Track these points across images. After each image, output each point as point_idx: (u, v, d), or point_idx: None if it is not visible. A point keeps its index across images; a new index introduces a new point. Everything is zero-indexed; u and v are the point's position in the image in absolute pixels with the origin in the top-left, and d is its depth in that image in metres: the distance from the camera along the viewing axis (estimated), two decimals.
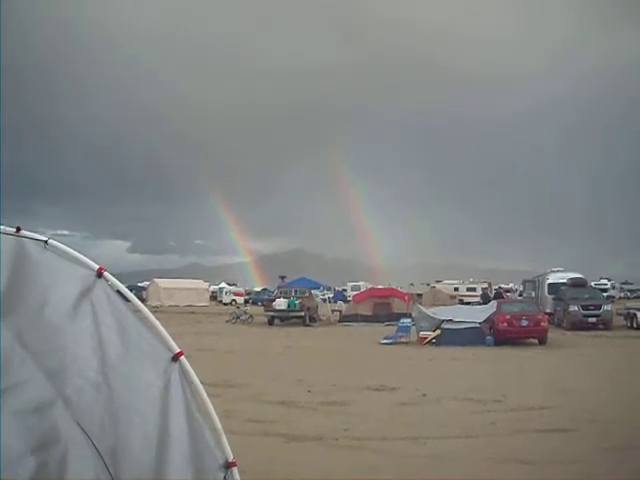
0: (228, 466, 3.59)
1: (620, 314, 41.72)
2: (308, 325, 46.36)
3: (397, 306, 46.27)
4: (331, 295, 70.98)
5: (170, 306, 73.30)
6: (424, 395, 16.03)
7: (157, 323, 3.71)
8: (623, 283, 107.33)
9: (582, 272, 47.72)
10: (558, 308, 42.16)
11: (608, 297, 59.48)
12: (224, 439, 3.70)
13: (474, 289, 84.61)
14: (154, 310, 8.86)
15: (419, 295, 76.44)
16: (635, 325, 39.06)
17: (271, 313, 47.56)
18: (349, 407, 14.73)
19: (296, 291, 50.25)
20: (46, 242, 3.50)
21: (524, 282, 58.08)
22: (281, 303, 47.02)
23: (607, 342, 31.70)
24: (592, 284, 54.92)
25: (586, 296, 40.83)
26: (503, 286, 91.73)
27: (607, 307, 40.18)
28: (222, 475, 3.54)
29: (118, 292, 3.65)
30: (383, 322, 42.64)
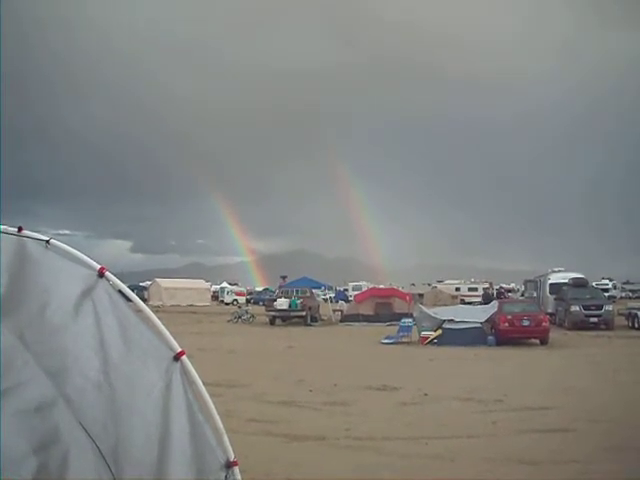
0: (229, 465, 3.60)
1: (621, 314, 41.72)
2: (309, 325, 46.38)
3: (398, 306, 46.24)
4: (332, 295, 71.01)
5: (172, 306, 73.41)
6: (425, 395, 16.03)
7: (159, 323, 3.72)
8: (624, 283, 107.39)
9: (583, 272, 47.73)
10: (560, 308, 42.16)
11: (609, 297, 59.55)
12: (225, 439, 3.71)
13: (475, 289, 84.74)
14: (156, 310, 8.88)
15: (420, 295, 76.62)
16: (636, 325, 39.06)
17: (272, 313, 47.56)
18: (350, 407, 14.73)
19: (297, 291, 50.27)
20: (48, 242, 3.50)
21: (525, 282, 58.03)
22: (283, 303, 47.04)
23: (609, 342, 31.69)
24: (594, 284, 54.90)
25: (587, 296, 40.83)
26: (504, 286, 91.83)
27: (608, 307, 40.23)
28: (223, 474, 3.55)
29: (120, 292, 3.66)
30: (384, 322, 42.64)
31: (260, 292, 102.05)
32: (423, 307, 34.63)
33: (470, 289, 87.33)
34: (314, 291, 54.79)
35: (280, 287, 56.98)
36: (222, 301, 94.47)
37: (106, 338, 3.30)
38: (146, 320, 3.69)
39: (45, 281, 3.30)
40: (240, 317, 50.42)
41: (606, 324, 39.06)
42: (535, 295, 49.15)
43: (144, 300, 4.40)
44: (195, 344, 24.56)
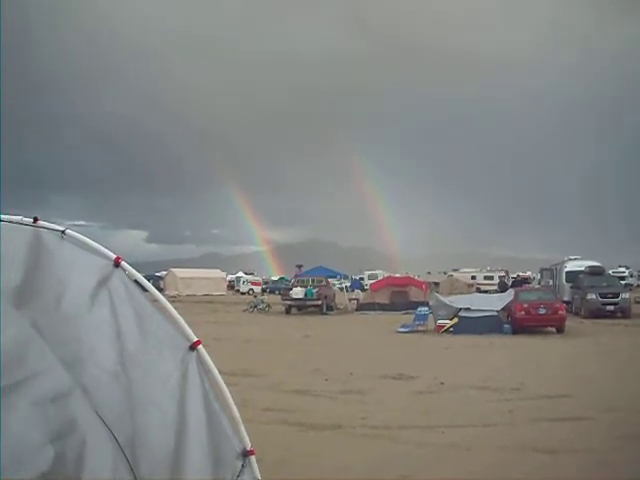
0: (246, 454, 3.59)
1: (638, 302, 41.60)
2: (325, 314, 46.44)
3: (414, 295, 46.20)
4: (348, 284, 71.16)
5: (187, 295, 73.59)
6: (442, 383, 16.02)
7: (175, 312, 3.71)
8: None
9: (600, 260, 47.57)
10: (576, 296, 41.97)
11: (626, 285, 59.33)
12: (242, 428, 3.70)
13: (491, 277, 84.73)
14: (171, 300, 8.94)
15: (436, 284, 76.63)
16: None
17: (288, 302, 47.66)
18: (366, 396, 14.73)
19: (313, 280, 50.30)
20: (63, 232, 3.50)
21: (541, 270, 57.79)
22: (298, 292, 47.08)
23: (625, 330, 31.58)
24: (610, 272, 54.75)
25: (604, 284, 40.64)
26: (521, 274, 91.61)
27: (625, 295, 40.04)
28: (240, 463, 3.55)
29: (136, 282, 3.66)
30: (400, 311, 42.57)
31: (276, 281, 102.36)
32: (439, 296, 34.67)
33: (486, 277, 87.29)
34: (330, 280, 54.77)
35: (296, 276, 57.01)
36: (238, 290, 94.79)
37: (122, 328, 3.30)
38: (162, 310, 3.69)
39: (61, 271, 3.30)
40: (256, 306, 50.52)
41: (623, 312, 38.89)
42: (551, 283, 48.96)
43: (160, 290, 4.41)
44: (211, 334, 24.59)
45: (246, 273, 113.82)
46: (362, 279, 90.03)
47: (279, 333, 31.43)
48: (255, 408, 12.50)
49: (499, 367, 19.10)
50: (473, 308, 30.49)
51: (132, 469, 2.99)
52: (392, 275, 69.72)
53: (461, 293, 52.36)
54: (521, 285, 50.55)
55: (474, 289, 74.13)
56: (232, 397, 3.79)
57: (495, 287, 66.50)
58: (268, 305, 51.07)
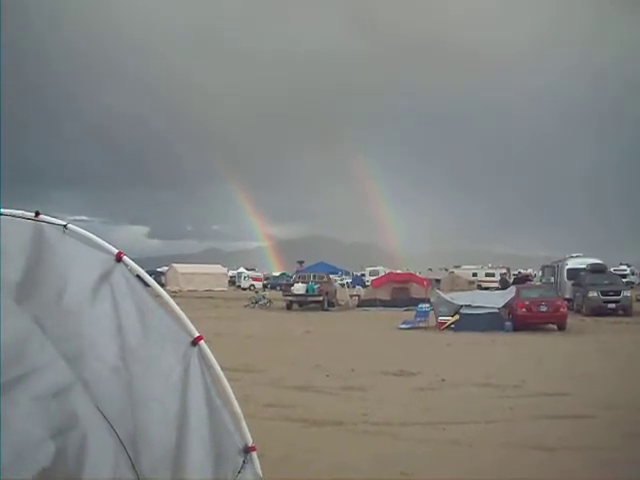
0: (247, 450, 3.60)
1: (639, 300, 41.54)
2: (326, 310, 46.44)
3: (415, 291, 46.25)
4: (349, 280, 71.03)
5: (189, 291, 73.60)
6: (443, 380, 16.02)
7: (176, 307, 3.71)
8: None
9: (601, 258, 47.50)
10: (577, 294, 42.00)
11: (627, 283, 59.19)
12: (243, 424, 3.71)
13: (493, 274, 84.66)
14: (173, 295, 8.98)
15: (437, 280, 76.48)
16: None
17: (290, 298, 47.68)
18: (368, 392, 14.73)
19: (314, 276, 50.27)
20: (65, 227, 3.50)
21: (543, 268, 57.71)
22: (300, 288, 47.09)
23: (626, 328, 31.59)
24: (611, 270, 54.65)
25: (605, 282, 40.65)
26: (522, 271, 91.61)
27: (627, 293, 40.08)
28: (241, 459, 3.55)
29: (138, 277, 3.65)
30: (402, 307, 42.62)
31: (277, 277, 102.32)
32: (440, 292, 34.61)
33: (487, 274, 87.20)
34: (331, 276, 54.80)
35: (297, 272, 56.93)
36: (239, 286, 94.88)
37: (124, 323, 3.30)
38: (164, 305, 3.68)
39: (62, 266, 3.30)
40: (257, 302, 50.53)
41: (624, 310, 38.94)
42: (552, 281, 48.93)
43: (161, 285, 4.40)
44: (212, 329, 24.57)
45: (247, 269, 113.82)
46: (363, 275, 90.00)
47: (280, 329, 31.44)
48: (256, 404, 12.49)
49: (500, 364, 19.10)
50: (474, 305, 30.49)
51: (133, 464, 2.98)
52: (393, 271, 69.74)
53: (462, 290, 52.24)
54: (523, 282, 50.50)
55: (475, 286, 74.16)
56: (234, 393, 3.78)
57: (496, 284, 66.47)
58: (269, 301, 51.08)
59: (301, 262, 64.78)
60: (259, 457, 3.66)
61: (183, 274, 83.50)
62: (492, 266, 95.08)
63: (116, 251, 3.55)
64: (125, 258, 3.55)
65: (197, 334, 3.62)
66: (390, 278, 51.86)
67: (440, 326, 30.30)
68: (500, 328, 29.09)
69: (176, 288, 74.06)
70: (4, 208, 3.38)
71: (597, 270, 42.68)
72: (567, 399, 13.90)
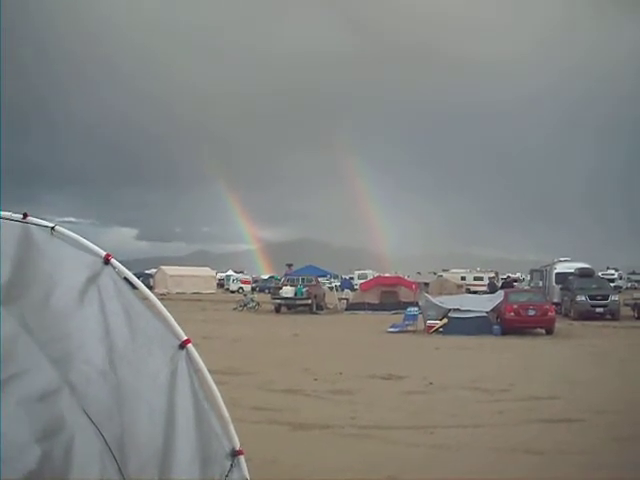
0: (235, 454, 3.59)
1: (627, 304, 41.75)
2: (315, 313, 46.40)
3: (404, 295, 46.28)
4: (338, 283, 71.21)
5: (177, 293, 73.42)
6: (431, 384, 16.03)
7: (164, 310, 3.70)
8: (630, 273, 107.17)
9: (589, 262, 47.76)
10: (565, 298, 42.16)
11: (615, 287, 59.43)
12: (231, 427, 3.70)
13: (481, 278, 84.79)
14: (161, 297, 8.91)
15: (426, 284, 76.48)
16: None
17: (278, 301, 47.64)
18: (356, 396, 14.73)
19: (303, 279, 50.28)
20: (53, 228, 3.48)
21: (531, 272, 57.93)
22: (288, 291, 47.06)
23: (614, 332, 31.74)
24: (599, 274, 54.89)
25: (593, 286, 40.88)
26: (511, 275, 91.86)
27: (614, 297, 40.21)
28: (229, 463, 3.54)
29: (125, 279, 3.64)
30: (390, 311, 42.68)
31: (266, 280, 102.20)
32: (429, 296, 34.64)
33: (476, 278, 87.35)
34: (320, 279, 54.82)
35: (286, 275, 56.94)
36: (228, 289, 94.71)
37: (111, 325, 3.28)
38: (152, 308, 3.67)
39: (50, 268, 3.28)
40: (245, 305, 50.49)
41: (612, 314, 39.07)
42: (541, 285, 49.09)
43: (149, 288, 4.39)
44: (200, 332, 24.52)
45: (236, 271, 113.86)
46: (352, 279, 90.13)
47: (269, 332, 31.39)
48: (244, 407, 12.46)
49: (488, 368, 19.15)
50: (463, 309, 30.56)
51: (120, 468, 2.96)
52: (382, 275, 69.79)
53: (450, 294, 52.32)
54: (511, 286, 50.63)
55: (464, 290, 74.31)
56: (221, 396, 3.77)
57: (485, 288, 66.61)
58: (258, 304, 51.03)
59: (290, 265, 64.71)
60: (246, 461, 3.65)
61: (172, 276, 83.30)
62: (481, 270, 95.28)
63: (104, 253, 3.53)
64: (113, 260, 3.54)
65: (185, 337, 3.61)
66: (379, 282, 51.88)
67: (428, 330, 30.34)
68: (488, 332, 29.17)
69: (164, 290, 73.86)
70: None
71: (585, 274, 42.89)
72: (556, 403, 13.94)
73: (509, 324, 29.89)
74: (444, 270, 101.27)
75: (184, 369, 3.48)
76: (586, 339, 28.15)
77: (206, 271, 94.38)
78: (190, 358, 3.57)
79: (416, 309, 33.24)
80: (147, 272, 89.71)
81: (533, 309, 30.20)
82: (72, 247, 3.49)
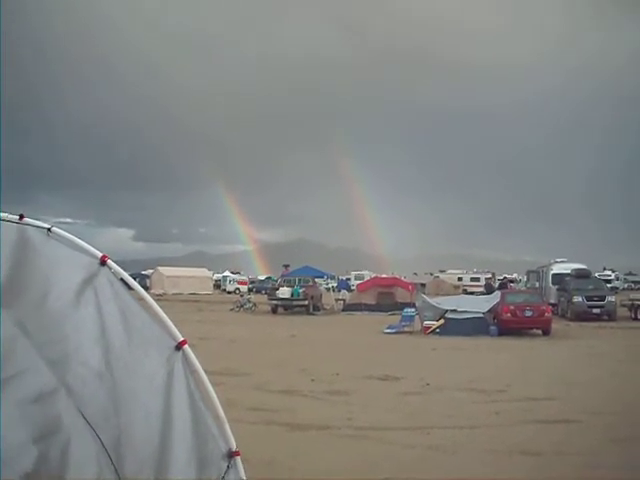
0: (231, 455, 3.59)
1: (624, 305, 41.73)
2: (312, 314, 46.38)
3: (401, 295, 46.24)
4: (335, 284, 71.16)
5: (174, 294, 73.35)
6: (428, 385, 16.02)
7: (161, 311, 3.70)
8: (627, 274, 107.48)
9: (586, 263, 47.81)
10: (562, 299, 42.21)
11: (612, 288, 59.46)
12: (227, 428, 3.70)
13: (478, 279, 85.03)
14: (157, 298, 8.91)
15: (423, 285, 76.71)
16: (639, 316, 39.09)
17: (275, 302, 47.54)
18: (352, 396, 14.71)
19: (300, 280, 50.28)
20: (49, 230, 3.48)
21: (528, 273, 57.99)
22: (285, 292, 47.01)
23: (611, 333, 31.76)
24: (596, 275, 54.91)
25: (590, 287, 40.89)
26: (507, 276, 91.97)
27: (611, 298, 40.25)
28: (225, 464, 3.55)
29: (122, 280, 3.64)
30: (387, 311, 42.67)
31: (262, 281, 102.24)
32: (425, 297, 34.64)
33: (472, 279, 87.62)
34: (317, 280, 54.83)
35: (282, 276, 56.93)
36: (224, 290, 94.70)
37: (108, 327, 3.29)
38: (148, 309, 3.67)
39: (46, 269, 3.28)
40: (242, 306, 50.42)
41: (608, 315, 39.16)
42: (537, 286, 49.12)
43: (146, 288, 4.39)
44: (197, 333, 24.51)
45: (233, 272, 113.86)
46: (349, 279, 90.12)
47: (265, 333, 31.35)
48: (241, 408, 12.45)
49: (485, 369, 19.15)
50: (459, 309, 30.54)
51: (116, 469, 2.97)
52: (379, 276, 69.84)
53: (447, 294, 52.41)
54: (506, 286, 50.69)
55: (460, 290, 74.42)
56: (217, 397, 3.77)
57: (481, 289, 66.66)
58: (254, 305, 50.94)
59: (287, 266, 64.72)
60: (243, 462, 3.65)
61: (168, 277, 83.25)
62: (477, 271, 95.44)
63: (100, 254, 3.53)
64: (109, 262, 3.54)
65: (181, 338, 3.61)
66: (375, 282, 51.87)
67: (425, 331, 30.31)
68: (485, 333, 29.17)
69: (161, 291, 73.84)
70: None
71: (582, 275, 42.93)
72: (553, 404, 13.94)
73: (506, 325, 29.89)
74: (441, 271, 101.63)
75: (180, 370, 3.49)
76: (583, 340, 28.14)
77: (203, 272, 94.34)
78: (186, 359, 3.58)
79: (413, 310, 33.17)
80: (144, 273, 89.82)
81: (530, 310, 30.20)
82: (68, 248, 3.50)
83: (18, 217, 3.43)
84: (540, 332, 30.39)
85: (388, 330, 31.61)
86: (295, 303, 46.94)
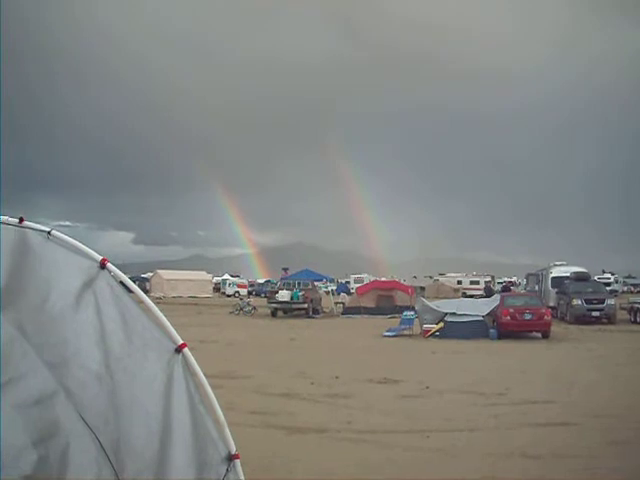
0: (231, 458, 3.59)
1: (623, 308, 41.73)
2: (311, 317, 46.44)
3: (400, 299, 46.32)
4: (334, 287, 71.10)
5: (173, 297, 73.52)
6: (427, 388, 16.03)
7: (160, 314, 3.70)
8: (626, 277, 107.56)
9: (585, 266, 47.79)
10: (561, 302, 42.23)
11: (611, 291, 59.43)
12: (227, 431, 3.70)
13: (477, 282, 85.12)
14: (157, 301, 8.93)
15: (422, 288, 76.91)
16: (638, 319, 39.12)
17: (274, 305, 47.60)
18: (352, 400, 14.72)
19: (299, 283, 50.31)
20: (49, 233, 3.48)
21: (527, 276, 57.96)
22: (284, 295, 47.06)
23: (610, 336, 31.74)
24: (595, 278, 54.95)
25: (589, 290, 40.88)
26: (507, 279, 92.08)
27: (610, 301, 40.25)
28: (225, 467, 3.54)
29: (121, 283, 3.64)
30: (386, 314, 42.79)
31: (262, 284, 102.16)
32: (425, 300, 34.65)
33: (472, 282, 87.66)
34: (316, 283, 54.83)
35: (282, 279, 56.96)
36: (224, 293, 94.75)
37: (107, 330, 3.28)
38: (148, 312, 3.67)
39: (46, 272, 3.28)
40: (242, 309, 50.43)
41: (608, 318, 39.17)
42: (537, 289, 49.11)
43: (145, 291, 4.40)
44: (196, 336, 24.56)
45: (232, 275, 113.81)
46: (348, 283, 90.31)
47: (265, 336, 31.39)
48: (240, 411, 12.47)
49: (485, 372, 19.15)
50: (459, 313, 30.58)
51: (116, 472, 2.96)
52: (378, 279, 69.93)
53: (447, 298, 52.40)
54: (508, 290, 50.69)
55: (460, 294, 74.43)
56: (217, 400, 3.77)
57: (481, 292, 66.66)
58: (254, 308, 50.96)
59: (286, 269, 64.78)
60: (242, 465, 3.65)
61: (168, 280, 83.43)
62: (477, 274, 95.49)
63: (100, 258, 3.53)
64: (109, 265, 3.54)
65: (181, 341, 3.61)
66: (375, 285, 51.96)
67: (425, 334, 30.35)
68: (485, 336, 29.22)
69: (160, 294, 73.99)
70: None
71: (581, 278, 42.97)
72: (552, 407, 13.93)
73: (505, 328, 29.91)
74: (440, 274, 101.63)
75: (180, 373, 3.48)
76: (582, 343, 28.14)
77: (202, 275, 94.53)
78: (186, 362, 3.57)
79: (412, 313, 33.21)
80: (143, 276, 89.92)
81: (529, 313, 30.21)
82: (68, 251, 3.50)
83: (18, 220, 3.42)
84: (540, 335, 30.43)
85: (388, 333, 31.59)
86: (294, 306, 47.01)
